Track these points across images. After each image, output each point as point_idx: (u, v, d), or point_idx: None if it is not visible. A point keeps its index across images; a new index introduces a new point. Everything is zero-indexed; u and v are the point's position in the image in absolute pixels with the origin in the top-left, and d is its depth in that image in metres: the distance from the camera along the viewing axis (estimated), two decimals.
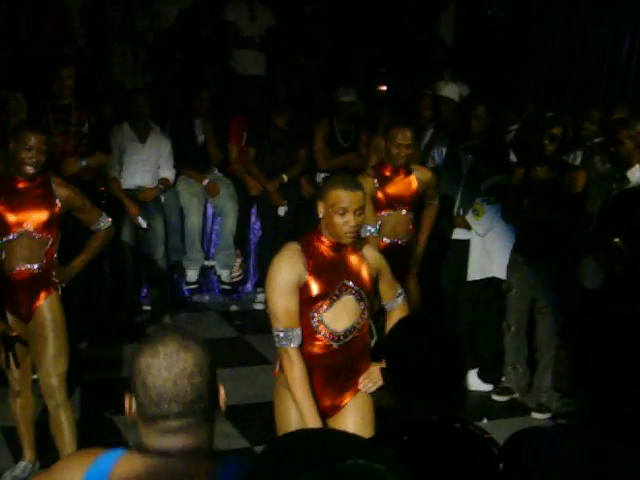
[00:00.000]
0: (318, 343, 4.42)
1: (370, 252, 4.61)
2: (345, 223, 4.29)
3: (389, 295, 4.74)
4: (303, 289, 4.33)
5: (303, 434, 1.56)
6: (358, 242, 4.53)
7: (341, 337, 4.42)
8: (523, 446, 2.69)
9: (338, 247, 4.39)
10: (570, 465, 2.58)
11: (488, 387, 7.45)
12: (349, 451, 1.37)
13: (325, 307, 4.37)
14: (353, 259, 4.47)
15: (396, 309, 4.71)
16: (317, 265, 4.35)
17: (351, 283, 4.40)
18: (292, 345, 4.33)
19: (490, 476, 2.68)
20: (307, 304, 4.35)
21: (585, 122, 8.00)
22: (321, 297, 4.35)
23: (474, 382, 7.45)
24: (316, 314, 4.36)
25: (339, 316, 4.40)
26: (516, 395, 7.35)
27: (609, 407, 2.58)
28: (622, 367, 2.55)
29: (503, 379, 7.46)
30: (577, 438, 2.64)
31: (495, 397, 7.35)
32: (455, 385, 2.85)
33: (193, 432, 2.26)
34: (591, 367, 2.65)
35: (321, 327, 4.38)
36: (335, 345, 4.43)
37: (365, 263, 4.51)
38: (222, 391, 2.36)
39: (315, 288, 4.34)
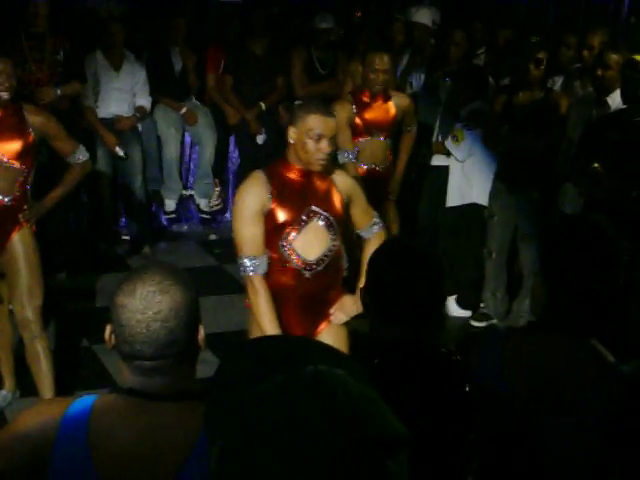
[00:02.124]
0: (290, 273, 4.42)
1: (340, 177, 4.55)
2: (318, 150, 4.26)
3: (363, 222, 4.69)
4: (268, 217, 4.31)
5: (262, 342, 1.56)
6: (329, 168, 4.48)
7: (313, 266, 4.41)
8: (472, 347, 2.80)
9: (307, 174, 4.36)
10: (513, 361, 2.66)
11: (467, 313, 7.49)
12: (309, 357, 1.37)
13: (294, 234, 4.35)
14: (321, 185, 4.44)
15: (372, 238, 4.64)
16: (282, 192, 4.32)
17: (319, 209, 4.38)
18: (258, 272, 4.33)
19: (456, 397, 2.71)
20: (275, 232, 4.34)
21: (562, 47, 7.96)
22: (288, 224, 4.33)
23: (453, 308, 7.50)
24: (285, 242, 4.35)
25: (310, 244, 4.39)
26: (494, 321, 7.39)
27: (556, 307, 2.67)
28: (567, 269, 2.64)
29: (482, 305, 7.51)
30: (523, 337, 2.74)
31: (473, 323, 7.40)
32: (432, 313, 2.86)
33: (169, 373, 2.24)
34: (543, 270, 2.76)
35: (293, 256, 4.37)
36: (307, 274, 4.43)
37: (335, 189, 4.47)
38: (202, 331, 2.33)
39: (281, 215, 4.32)
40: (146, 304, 2.19)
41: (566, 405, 2.57)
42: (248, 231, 4.30)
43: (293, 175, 4.37)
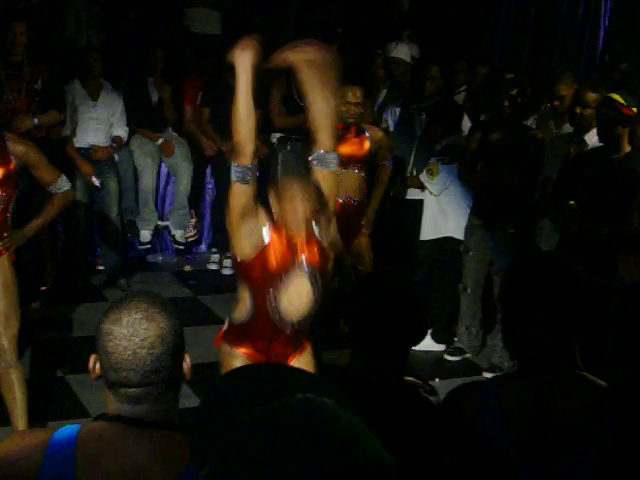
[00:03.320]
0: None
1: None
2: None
3: None
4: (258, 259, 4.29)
5: (249, 370, 1.57)
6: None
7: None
8: (464, 398, 2.76)
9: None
10: (512, 412, 2.64)
11: (441, 347, 7.50)
12: (296, 385, 1.38)
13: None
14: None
15: None
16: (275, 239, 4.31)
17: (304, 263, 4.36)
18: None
19: (426, 432, 2.71)
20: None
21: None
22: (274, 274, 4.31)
23: (427, 342, 7.49)
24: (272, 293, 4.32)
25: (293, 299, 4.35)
26: (468, 355, 7.42)
27: (535, 351, 2.65)
28: (535, 310, 2.62)
29: (455, 339, 7.53)
30: (517, 385, 2.71)
31: (447, 357, 7.42)
32: (408, 345, 2.87)
33: (154, 401, 2.25)
34: (509, 312, 2.73)
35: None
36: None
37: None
38: (188, 360, 2.35)
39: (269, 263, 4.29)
40: (132, 331, 2.21)
41: (569, 440, 2.56)
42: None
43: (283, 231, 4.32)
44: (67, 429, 2.28)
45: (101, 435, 2.25)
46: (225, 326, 4.67)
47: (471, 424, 2.68)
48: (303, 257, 4.32)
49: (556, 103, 7.40)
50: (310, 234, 4.37)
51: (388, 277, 3.03)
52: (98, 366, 2.28)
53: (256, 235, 4.25)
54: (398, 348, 2.83)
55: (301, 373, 1.52)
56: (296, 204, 4.25)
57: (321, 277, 4.42)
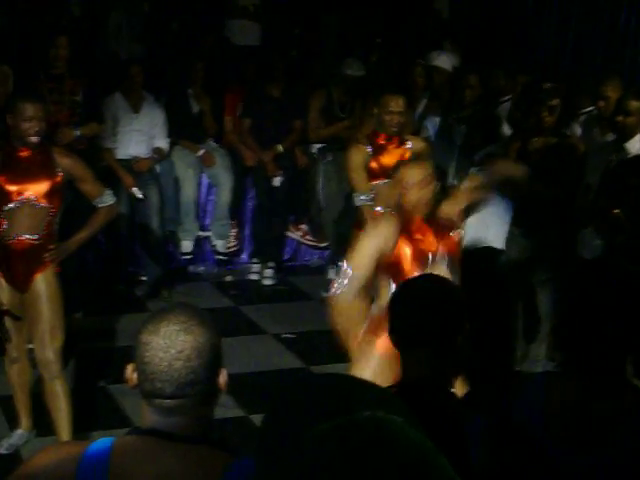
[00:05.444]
0: None
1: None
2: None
3: None
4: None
5: (313, 381, 1.49)
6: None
7: None
8: (513, 390, 2.82)
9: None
10: (555, 408, 2.68)
11: None
12: (366, 400, 1.32)
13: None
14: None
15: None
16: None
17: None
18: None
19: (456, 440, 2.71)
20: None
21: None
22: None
23: None
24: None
25: None
26: None
27: (585, 358, 2.69)
28: (593, 320, 2.66)
29: None
30: (564, 383, 2.74)
31: None
32: (449, 349, 2.87)
33: (188, 413, 2.25)
34: (567, 320, 2.77)
35: None
36: None
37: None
38: (224, 373, 2.33)
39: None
40: (170, 342, 2.21)
41: (606, 440, 2.60)
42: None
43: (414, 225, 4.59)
44: (101, 442, 2.28)
45: (134, 448, 2.25)
46: (372, 315, 4.75)
47: (515, 417, 2.71)
48: (440, 250, 4.58)
49: (601, 104, 7.36)
50: (446, 223, 4.54)
51: (426, 281, 3.07)
52: (135, 375, 2.29)
53: (390, 239, 4.53)
54: (441, 353, 2.83)
55: (371, 386, 1.45)
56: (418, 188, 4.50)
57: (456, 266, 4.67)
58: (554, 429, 2.66)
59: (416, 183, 4.43)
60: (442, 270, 4.47)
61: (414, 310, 2.82)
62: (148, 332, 2.24)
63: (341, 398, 1.35)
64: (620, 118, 6.54)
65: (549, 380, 2.85)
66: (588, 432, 2.63)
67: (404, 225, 4.53)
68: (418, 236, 4.52)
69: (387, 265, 4.52)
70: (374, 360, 4.48)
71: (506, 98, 8.75)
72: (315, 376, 1.54)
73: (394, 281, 4.49)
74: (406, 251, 4.48)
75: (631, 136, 6.48)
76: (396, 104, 6.77)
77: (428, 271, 4.42)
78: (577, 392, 2.68)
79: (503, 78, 8.83)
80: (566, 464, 2.63)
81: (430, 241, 4.52)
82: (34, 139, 5.22)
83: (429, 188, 4.46)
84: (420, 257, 4.47)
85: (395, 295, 3.01)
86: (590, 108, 7.99)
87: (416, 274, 4.37)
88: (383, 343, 4.51)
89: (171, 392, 2.22)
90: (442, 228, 4.61)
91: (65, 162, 5.40)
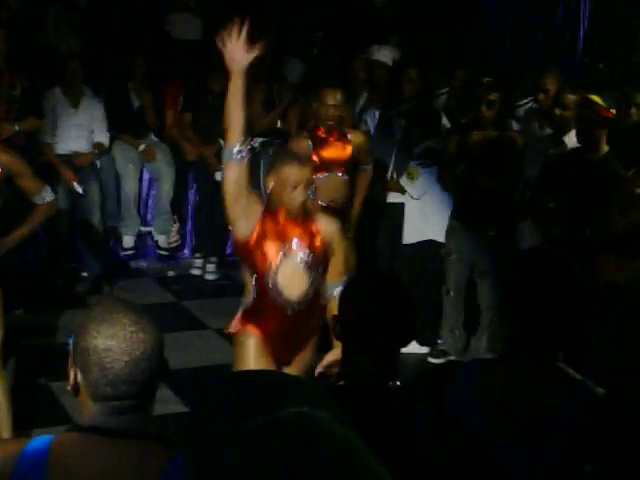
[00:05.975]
0: (273, 307, 4.57)
1: (325, 222, 4.69)
2: (293, 198, 4.45)
3: (330, 277, 4.68)
4: (254, 242, 4.49)
5: (241, 378, 1.50)
6: (313, 212, 4.73)
7: (294, 304, 4.54)
8: (442, 378, 2.87)
9: (288, 215, 4.53)
10: (489, 395, 2.74)
11: (424, 349, 7.51)
12: (290, 397, 1.33)
13: (274, 268, 4.49)
14: (304, 226, 4.59)
15: (330, 299, 4.62)
16: (265, 227, 4.51)
17: (298, 247, 4.53)
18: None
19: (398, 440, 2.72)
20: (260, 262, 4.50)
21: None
22: (268, 257, 4.50)
23: (411, 345, 7.49)
24: (269, 276, 4.49)
25: (290, 282, 4.52)
26: (452, 357, 7.43)
27: (523, 340, 2.75)
28: (534, 303, 2.72)
29: (439, 342, 7.54)
30: (497, 370, 2.81)
31: (431, 359, 7.42)
32: (399, 345, 2.89)
33: (141, 410, 2.25)
34: (508, 303, 2.85)
35: (275, 290, 4.51)
36: (289, 311, 4.57)
37: (318, 231, 4.61)
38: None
39: (263, 247, 4.49)
40: (132, 345, 2.19)
41: (538, 427, 2.65)
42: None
43: (278, 217, 4.52)
44: (40, 439, 2.25)
45: (74, 446, 2.23)
46: (238, 314, 4.79)
47: (447, 404, 2.75)
48: (295, 241, 4.50)
49: (541, 97, 7.44)
50: (309, 219, 4.51)
51: (377, 278, 3.07)
52: (80, 380, 2.26)
53: (251, 217, 4.49)
54: (389, 348, 2.84)
55: (296, 382, 1.44)
56: (298, 189, 4.43)
57: (318, 264, 4.56)
58: (488, 416, 2.71)
59: (295, 183, 4.44)
60: (295, 264, 4.51)
61: (369, 310, 2.82)
62: (104, 337, 2.20)
63: (267, 394, 1.36)
64: (558, 112, 6.63)
65: (483, 366, 2.91)
66: (519, 420, 2.68)
67: (269, 212, 4.52)
68: (279, 222, 4.51)
69: (245, 251, 4.55)
70: (252, 348, 4.62)
71: (443, 91, 8.80)
72: (241, 372, 1.54)
73: (255, 272, 4.54)
74: (263, 233, 4.49)
75: (568, 130, 6.56)
76: (333, 97, 6.78)
77: (284, 261, 4.47)
78: (510, 378, 2.73)
79: (441, 73, 8.88)
80: (501, 452, 2.67)
81: (288, 232, 4.50)
82: None
83: (304, 192, 4.45)
84: (276, 242, 4.48)
85: (350, 290, 3.00)
86: (526, 100, 8.09)
87: (274, 263, 4.47)
88: (258, 333, 4.65)
89: (136, 392, 2.20)
90: (307, 231, 4.58)
91: (3, 158, 5.29)
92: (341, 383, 2.81)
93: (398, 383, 2.89)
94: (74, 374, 2.27)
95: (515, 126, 7.83)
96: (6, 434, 5.33)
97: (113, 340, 2.19)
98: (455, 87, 8.66)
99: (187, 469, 1.38)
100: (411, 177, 7.45)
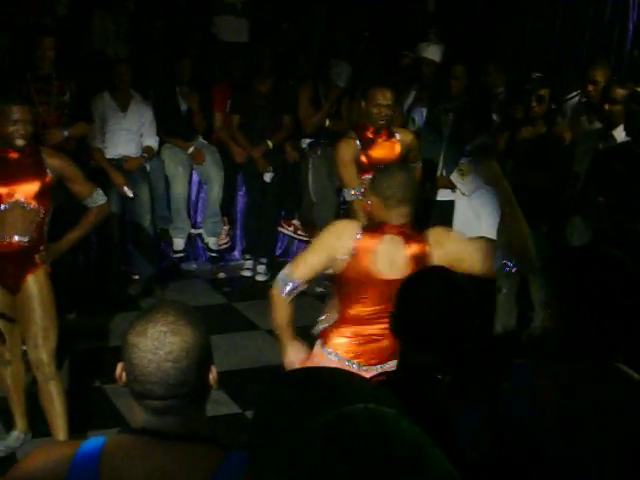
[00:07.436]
0: None
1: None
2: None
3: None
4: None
5: (301, 376, 1.50)
6: None
7: None
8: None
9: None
10: (545, 393, 2.69)
11: None
12: (357, 393, 1.32)
13: None
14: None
15: None
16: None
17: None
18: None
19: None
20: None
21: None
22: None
23: None
24: None
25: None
26: None
27: (578, 336, 2.71)
28: (587, 302, 2.69)
29: None
30: (554, 368, 2.76)
31: None
32: (463, 342, 2.86)
33: (179, 413, 2.24)
34: (561, 302, 2.79)
35: None
36: None
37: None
38: (214, 371, 2.31)
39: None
40: (158, 344, 2.19)
41: (599, 426, 2.61)
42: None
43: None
44: (93, 442, 2.27)
45: (125, 447, 2.24)
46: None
47: (501, 404, 2.73)
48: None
49: (590, 88, 7.37)
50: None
51: (438, 275, 3.06)
52: (124, 375, 2.27)
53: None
54: (449, 347, 2.82)
55: (358, 379, 1.45)
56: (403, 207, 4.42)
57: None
58: (543, 414, 2.67)
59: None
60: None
61: (431, 310, 2.80)
62: (135, 333, 2.23)
63: (331, 391, 1.36)
64: (607, 106, 6.56)
65: (539, 364, 2.85)
66: (575, 420, 2.63)
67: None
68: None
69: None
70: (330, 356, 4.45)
71: (500, 90, 8.74)
72: (304, 371, 1.53)
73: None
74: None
75: (617, 124, 6.49)
76: (384, 97, 6.74)
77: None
78: (566, 376, 2.69)
79: (493, 71, 8.83)
80: (557, 452, 2.63)
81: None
82: (21, 142, 5.20)
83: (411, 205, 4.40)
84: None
85: (410, 287, 2.98)
86: (574, 93, 8.02)
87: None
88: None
89: (161, 393, 2.20)
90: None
91: (54, 163, 5.37)
92: (382, 379, 2.80)
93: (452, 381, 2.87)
94: (121, 368, 2.30)
95: (561, 120, 7.77)
96: (62, 437, 5.38)
97: (141, 337, 2.21)
98: (505, 84, 8.61)
99: (253, 468, 1.37)
100: (462, 173, 7.40)
